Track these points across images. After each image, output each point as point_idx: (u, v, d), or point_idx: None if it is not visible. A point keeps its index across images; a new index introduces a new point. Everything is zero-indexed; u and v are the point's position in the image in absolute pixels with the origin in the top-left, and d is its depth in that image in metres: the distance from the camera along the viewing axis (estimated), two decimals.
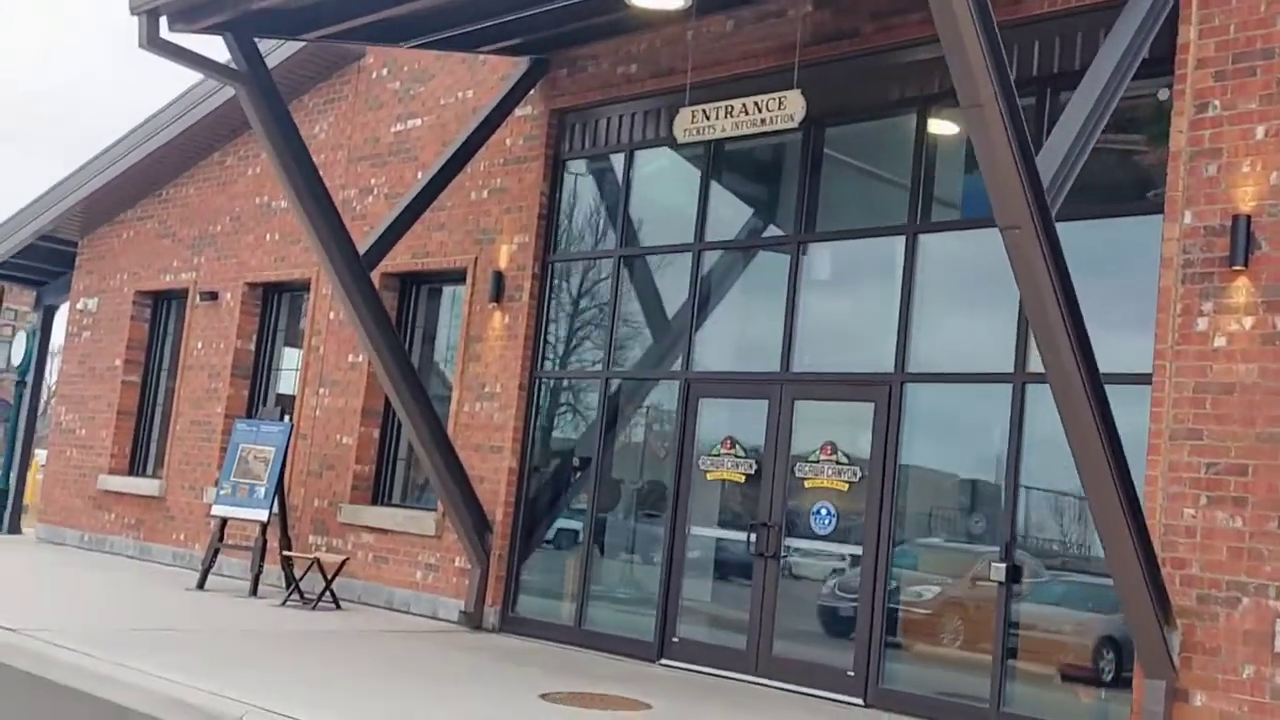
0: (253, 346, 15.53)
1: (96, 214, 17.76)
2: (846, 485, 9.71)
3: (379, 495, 13.72)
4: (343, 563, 12.57)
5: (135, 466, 17.09)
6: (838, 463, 9.76)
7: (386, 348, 11.39)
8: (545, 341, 12.28)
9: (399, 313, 13.79)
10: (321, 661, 9.11)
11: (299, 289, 15.15)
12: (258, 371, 15.54)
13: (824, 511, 9.80)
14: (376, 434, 13.76)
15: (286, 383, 15.36)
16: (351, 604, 12.77)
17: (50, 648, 8.57)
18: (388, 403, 13.76)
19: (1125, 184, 8.78)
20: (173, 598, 12.38)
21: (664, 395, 11.28)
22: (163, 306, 17.28)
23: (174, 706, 7.31)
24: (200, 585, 13.10)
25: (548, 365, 12.24)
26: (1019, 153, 6.80)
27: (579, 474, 12.01)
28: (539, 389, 12.23)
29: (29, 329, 19.64)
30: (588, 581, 11.35)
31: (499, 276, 12.43)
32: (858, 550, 9.54)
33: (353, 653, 9.68)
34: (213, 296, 15.78)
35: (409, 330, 13.81)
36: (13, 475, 19.28)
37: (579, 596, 11.36)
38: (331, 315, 14.28)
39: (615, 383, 11.65)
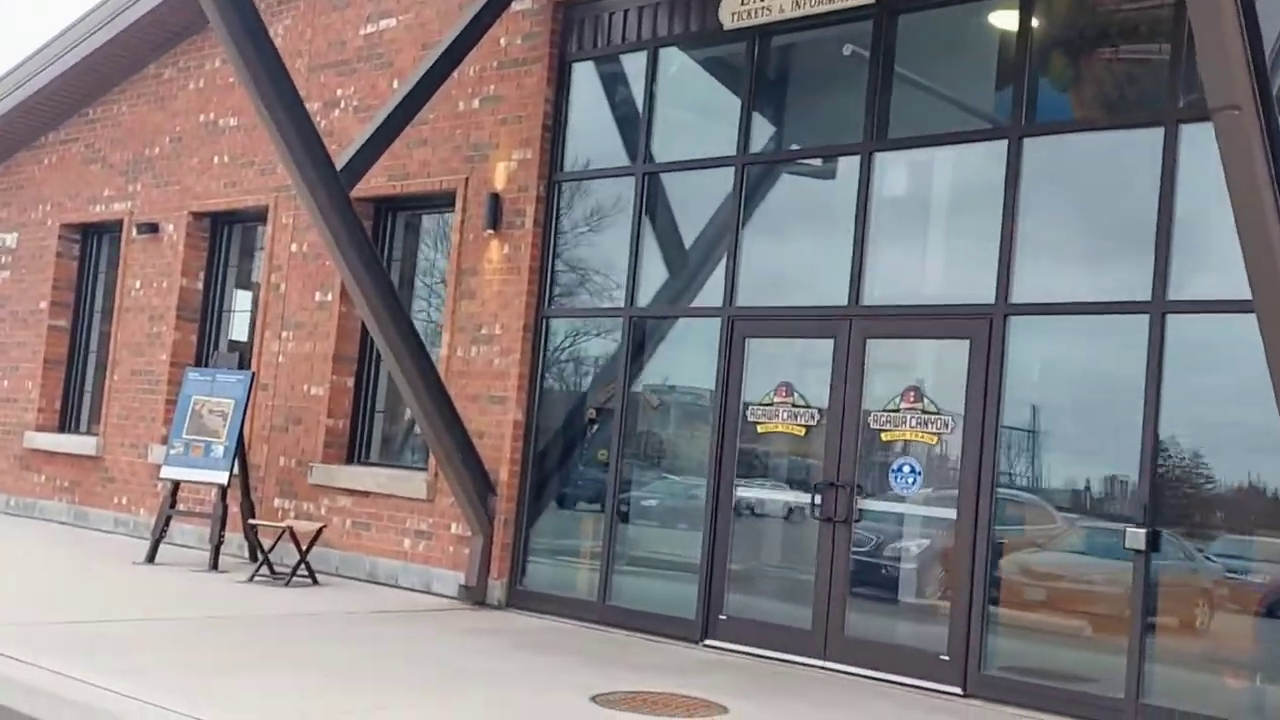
0: (200, 285, 13.67)
1: (12, 138, 15.68)
2: (935, 437, 8.25)
3: (355, 453, 12.04)
4: (319, 531, 10.92)
5: (67, 422, 15.20)
6: (924, 411, 8.28)
7: (370, 280, 9.68)
8: (553, 275, 10.63)
9: (374, 245, 12.06)
10: (316, 659, 7.49)
11: (253, 219, 13.31)
12: (207, 314, 13.69)
13: (906, 469, 8.34)
14: (350, 383, 12.05)
15: (240, 327, 13.55)
16: (329, 577, 11.13)
17: None
18: (363, 348, 12.07)
19: None
20: (120, 574, 10.65)
21: (699, 335, 9.71)
22: (93, 241, 15.31)
23: None
24: (150, 558, 11.36)
25: (557, 302, 10.61)
26: (1244, 15, 5.29)
27: (597, 427, 10.44)
28: (546, 330, 10.59)
29: None
30: (612, 550, 9.81)
31: (495, 199, 10.74)
32: (950, 514, 8.09)
33: (350, 644, 8.07)
34: (152, 229, 13.87)
35: (384, 266, 12.08)
36: None
37: (602, 567, 9.82)
38: (294, 248, 12.48)
39: (639, 321, 10.06)
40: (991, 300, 8.04)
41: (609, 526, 9.81)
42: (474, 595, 10.31)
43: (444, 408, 10.16)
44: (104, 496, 13.98)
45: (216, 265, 13.70)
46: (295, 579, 10.62)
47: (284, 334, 12.42)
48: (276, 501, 12.15)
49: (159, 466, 13.02)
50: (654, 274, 10.09)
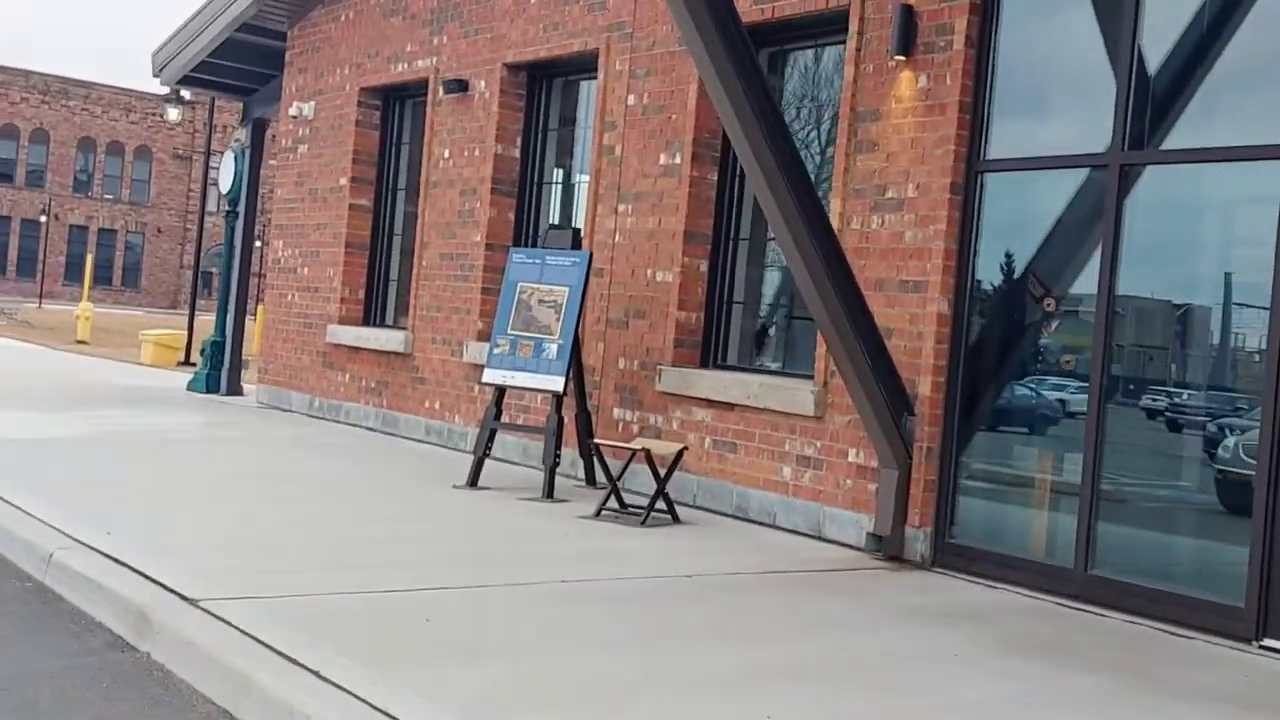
0: (517, 152, 11.49)
1: None
2: None
3: (712, 354, 9.65)
4: (679, 455, 8.61)
5: (372, 314, 13.52)
6: None
7: (760, 117, 7.06)
8: (991, 112, 7.76)
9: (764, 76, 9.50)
10: (789, 668, 5.13)
11: (578, 68, 10.96)
12: (526, 186, 11.52)
13: None
14: (704, 267, 9.62)
15: (566, 201, 11.32)
16: (686, 510, 8.84)
17: (269, 636, 4.82)
18: (719, 223, 9.59)
19: None
20: (438, 502, 8.70)
21: (1249, 190, 6.67)
22: (395, 106, 13.41)
23: None
24: (473, 481, 9.37)
25: (998, 149, 7.75)
26: None
27: (1058, 323, 7.61)
28: (981, 189, 7.77)
29: (237, 148, 16.17)
30: (1095, 497, 7.01)
31: (908, 14, 7.92)
32: None
33: (779, 639, 5.69)
34: (461, 87, 11.75)
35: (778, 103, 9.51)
36: (228, 323, 16.08)
37: (1082, 520, 7.04)
38: (631, 100, 10.05)
39: (1133, 173, 7.09)
40: None
41: (1091, 463, 6.99)
42: (887, 548, 7.78)
43: (850, 295, 7.54)
44: (414, 400, 12.21)
45: (535, 128, 11.47)
46: (653, 515, 8.37)
47: (620, 208, 10.08)
48: (616, 412, 9.95)
49: (475, 367, 11.09)
50: (1162, 98, 7.07)
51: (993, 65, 7.74)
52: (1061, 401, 7.46)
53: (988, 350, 7.92)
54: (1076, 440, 7.14)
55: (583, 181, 10.92)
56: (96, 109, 69.30)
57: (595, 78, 10.49)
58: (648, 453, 8.38)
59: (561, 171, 11.50)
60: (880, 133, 8.16)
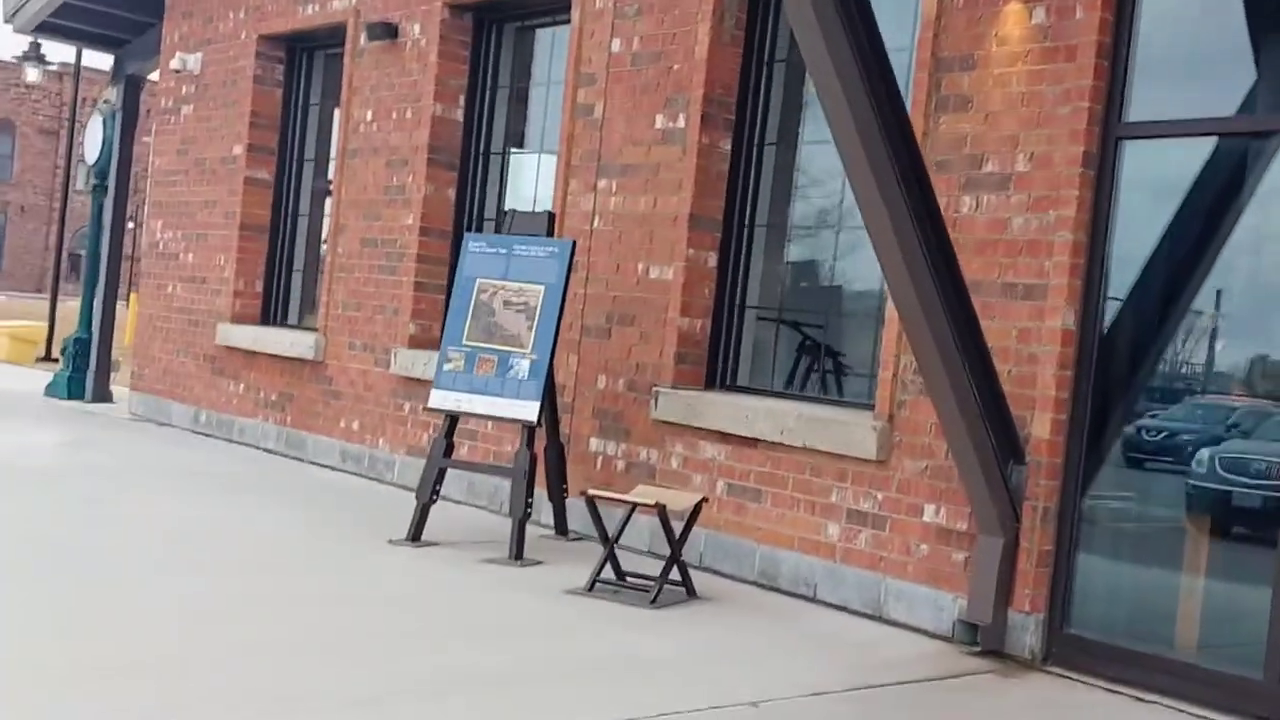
0: (460, 115, 9.28)
1: None
2: None
3: (722, 373, 7.60)
4: (696, 511, 6.52)
5: (273, 312, 11.17)
6: None
7: (861, 59, 4.99)
8: (1133, 61, 5.82)
9: (762, 36, 7.49)
10: None
11: (542, 9, 8.82)
12: (471, 156, 9.32)
13: None
14: (713, 261, 7.55)
15: (526, 176, 9.15)
16: (695, 573, 6.73)
17: None
18: (731, 204, 7.55)
19: None
20: (380, 569, 6.51)
21: None
22: (303, 59, 11.07)
23: None
24: (415, 535, 7.15)
25: (1144, 109, 5.81)
26: None
27: (1224, 342, 5.72)
28: (1117, 163, 5.83)
29: (105, 110, 13.61)
30: None
31: None
32: None
33: None
34: (389, 32, 9.49)
35: (766, 67, 7.51)
36: (95, 317, 13.54)
37: (1276, 620, 5.14)
38: (616, 46, 7.94)
39: None
40: None
41: None
42: (985, 639, 5.81)
43: (961, 305, 5.54)
44: (326, 418, 9.93)
45: (484, 84, 9.27)
46: (664, 590, 6.27)
47: (601, 184, 7.95)
48: (593, 444, 7.84)
49: (406, 380, 8.94)
50: None
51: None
52: (1240, 455, 5.57)
53: (1129, 378, 6.00)
54: (1261, 504, 5.26)
55: (545, 152, 8.79)
56: None
57: (567, 19, 8.35)
58: (662, 510, 6.26)
59: (518, 139, 9.33)
60: (975, 85, 6.17)
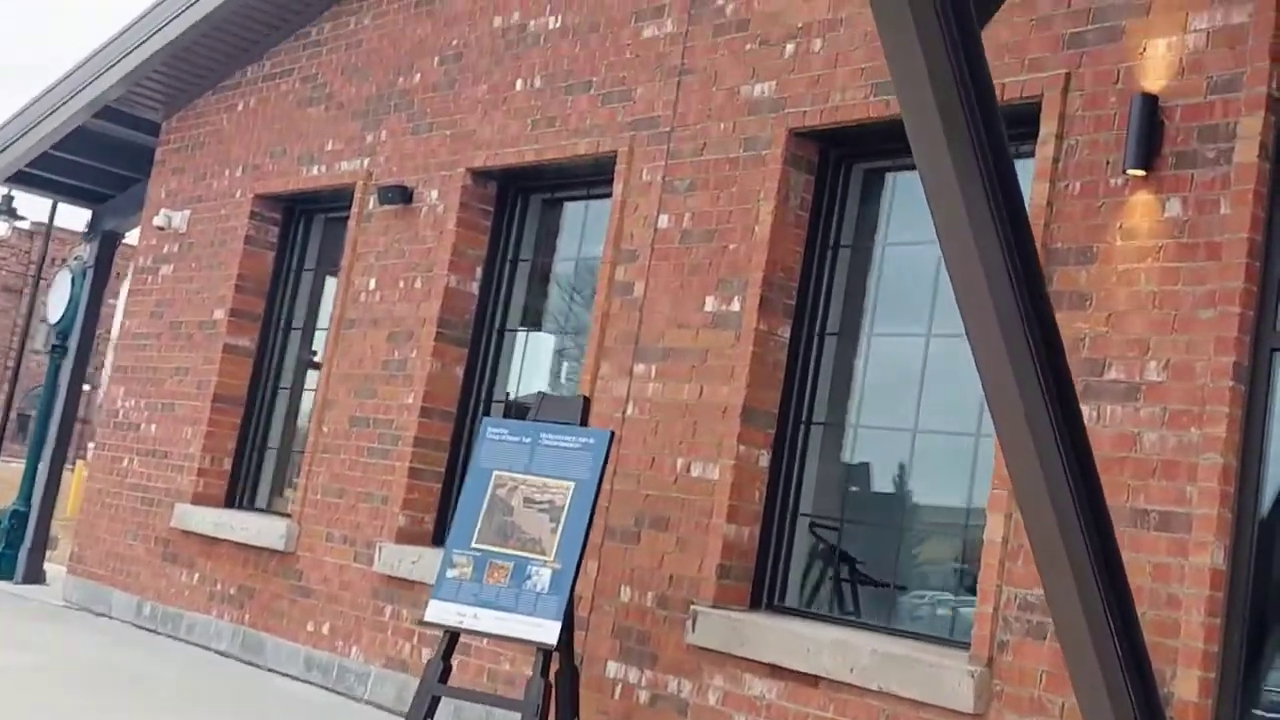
0: (476, 287, 8.45)
1: (192, 71, 10.83)
2: None
3: (769, 592, 6.57)
4: None
5: (239, 494, 10.05)
6: None
7: (1000, 208, 4.22)
8: None
9: (827, 219, 6.77)
10: None
11: (578, 179, 8.10)
12: (484, 332, 8.44)
13: None
14: (765, 460, 6.62)
15: (542, 358, 8.28)
16: None
17: None
18: (787, 396, 6.67)
19: None
20: None
21: None
22: (300, 221, 10.29)
23: None
24: None
25: None
26: None
27: None
28: (1273, 375, 5.02)
29: (76, 267, 12.72)
30: None
31: (1150, 110, 5.27)
32: None
33: None
34: (403, 196, 8.73)
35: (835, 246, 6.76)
36: (36, 489, 12.33)
37: None
38: (664, 221, 7.18)
39: None
40: None
41: None
42: None
43: (1091, 526, 4.61)
44: (293, 618, 8.72)
45: (504, 256, 8.48)
46: None
47: (638, 368, 7.07)
48: (611, 668, 6.72)
49: (390, 580, 7.85)
50: None
51: None
52: None
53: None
54: None
55: (567, 333, 7.94)
56: None
57: (604, 192, 7.62)
58: None
59: (536, 317, 8.48)
60: (1095, 281, 5.40)
